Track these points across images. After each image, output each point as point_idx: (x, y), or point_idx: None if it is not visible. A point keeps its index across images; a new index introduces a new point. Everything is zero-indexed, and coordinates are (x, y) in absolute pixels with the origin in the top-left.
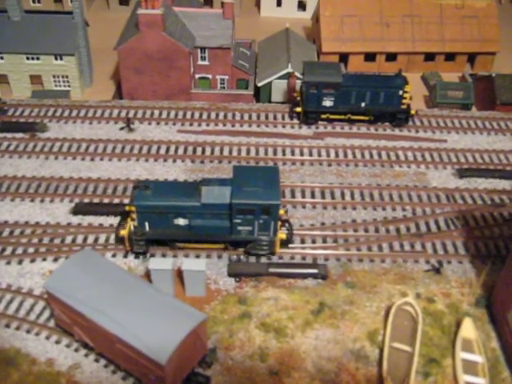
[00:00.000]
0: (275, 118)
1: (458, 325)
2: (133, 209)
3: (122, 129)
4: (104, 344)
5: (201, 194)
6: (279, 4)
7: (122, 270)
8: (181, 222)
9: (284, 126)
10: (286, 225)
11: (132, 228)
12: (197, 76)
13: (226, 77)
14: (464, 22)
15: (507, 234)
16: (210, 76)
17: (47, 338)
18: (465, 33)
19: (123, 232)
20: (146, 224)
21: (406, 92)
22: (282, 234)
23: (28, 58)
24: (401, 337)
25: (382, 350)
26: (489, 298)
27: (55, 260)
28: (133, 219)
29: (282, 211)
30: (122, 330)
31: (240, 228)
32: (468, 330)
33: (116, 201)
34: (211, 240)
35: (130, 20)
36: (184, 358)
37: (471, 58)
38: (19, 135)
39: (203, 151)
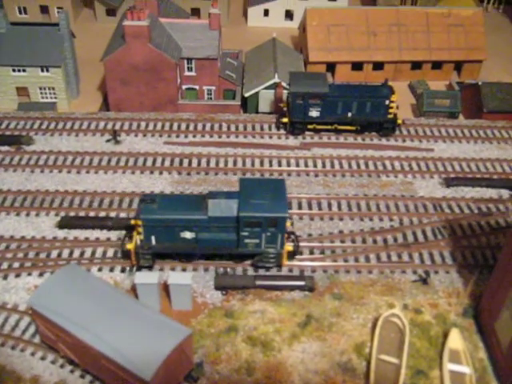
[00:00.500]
0: (262, 128)
1: (446, 336)
2: (139, 222)
3: (108, 141)
4: (89, 360)
5: (207, 207)
6: (266, 14)
7: (107, 284)
8: (187, 235)
9: (271, 137)
10: (292, 237)
11: (138, 242)
12: (184, 87)
13: (213, 87)
14: (450, 31)
15: (494, 244)
16: (196, 87)
17: (32, 354)
18: (451, 41)
19: (130, 246)
20: (153, 238)
21: (392, 102)
22: (289, 247)
23: (14, 70)
24: (388, 349)
25: (369, 363)
26: (476, 307)
27: (41, 275)
28: (139, 233)
29: (288, 223)
30: (106, 346)
31: (247, 241)
32: (455, 340)
33: (102, 214)
34: (218, 253)
35: (117, 31)
36: (169, 373)
37: (458, 66)
38: (5, 148)
39: (190, 163)
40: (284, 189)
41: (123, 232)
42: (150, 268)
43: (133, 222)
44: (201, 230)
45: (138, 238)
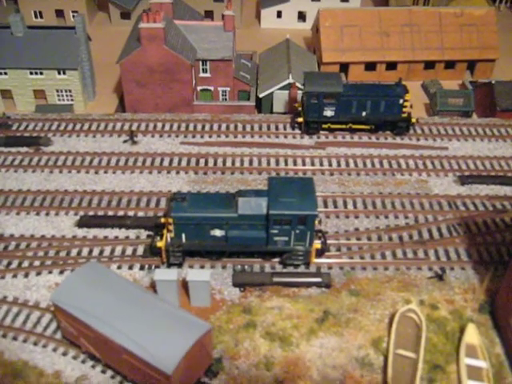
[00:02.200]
0: (277, 128)
1: (462, 331)
2: (170, 220)
3: (125, 142)
4: (111, 355)
5: (237, 205)
6: (279, 15)
7: (127, 281)
8: (217, 233)
9: (286, 137)
10: (319, 234)
11: (169, 240)
12: (199, 88)
13: (228, 88)
14: (463, 30)
15: (509, 240)
16: (211, 88)
17: (54, 349)
18: (464, 40)
19: (160, 244)
20: (183, 235)
21: (406, 100)
22: (317, 244)
23: (31, 73)
24: (405, 344)
25: (386, 357)
26: (492, 303)
27: (61, 273)
28: (169, 231)
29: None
30: (128, 340)
31: (276, 238)
32: (472, 335)
33: (120, 213)
34: (247, 251)
35: (132, 34)
36: (190, 367)
37: (471, 65)
38: (24, 149)
39: (206, 163)
40: (312, 187)
41: (142, 230)
42: (179, 265)
43: (163, 220)
44: (230, 228)
45: (168, 236)
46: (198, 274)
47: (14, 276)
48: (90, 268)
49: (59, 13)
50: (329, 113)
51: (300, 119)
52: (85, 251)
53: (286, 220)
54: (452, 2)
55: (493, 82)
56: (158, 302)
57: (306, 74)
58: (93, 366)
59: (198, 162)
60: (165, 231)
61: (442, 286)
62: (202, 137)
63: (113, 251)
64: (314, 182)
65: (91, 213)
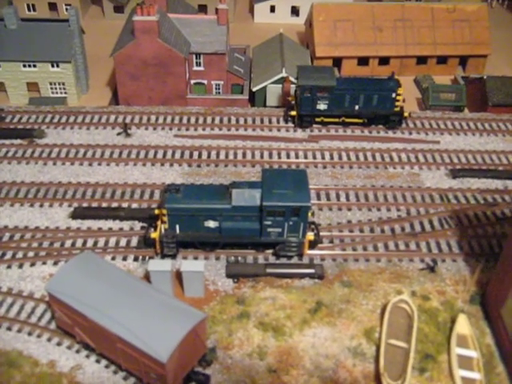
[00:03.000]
0: (270, 121)
1: (453, 321)
2: (164, 212)
3: (119, 134)
4: (105, 344)
5: (231, 197)
6: (273, 10)
7: (122, 271)
8: (211, 224)
9: (279, 130)
10: (312, 226)
11: (163, 231)
12: (192, 81)
13: (221, 82)
14: (455, 26)
15: (500, 233)
16: (205, 81)
17: (49, 339)
18: (456, 36)
19: (154, 235)
20: (177, 227)
21: (398, 94)
22: (310, 236)
23: (25, 66)
24: (397, 334)
25: (378, 347)
26: (483, 295)
27: (55, 264)
28: (163, 222)
29: (309, 213)
30: (123, 329)
31: (270, 230)
32: (463, 326)
33: (114, 205)
34: (240, 242)
35: (126, 27)
36: (184, 356)
37: (463, 60)
38: (17, 141)
39: (200, 155)
40: (306, 179)
41: (135, 222)
42: (173, 257)
43: (157, 211)
44: (224, 219)
45: (162, 227)
46: (191, 264)
47: (9, 267)
48: (85, 258)
49: (52, 6)
50: (322, 106)
51: (293, 113)
52: (79, 242)
53: (280, 211)
54: None
55: (484, 77)
56: (152, 291)
57: (300, 68)
58: (87, 356)
59: (191, 155)
60: (159, 222)
61: (434, 278)
62: (195, 130)
63: (107, 242)
64: (307, 174)
65: (85, 204)
